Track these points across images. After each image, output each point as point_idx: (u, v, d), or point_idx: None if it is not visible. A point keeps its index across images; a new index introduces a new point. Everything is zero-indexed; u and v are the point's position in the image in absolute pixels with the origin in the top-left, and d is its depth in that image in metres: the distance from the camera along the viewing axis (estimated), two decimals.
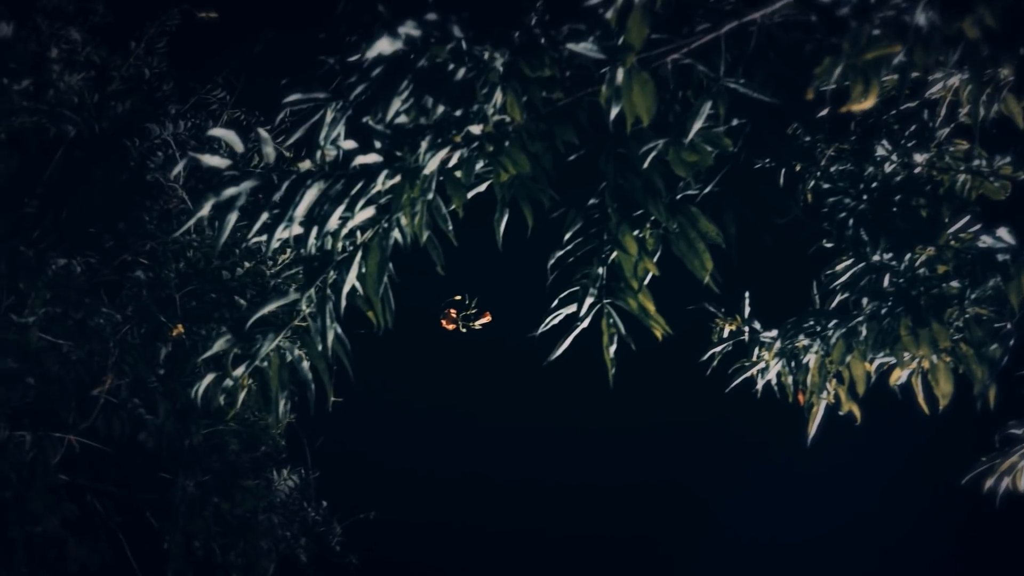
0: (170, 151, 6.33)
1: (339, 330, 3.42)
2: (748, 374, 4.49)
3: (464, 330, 5.65)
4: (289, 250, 6.22)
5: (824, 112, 3.88)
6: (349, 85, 3.12)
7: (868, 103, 2.35)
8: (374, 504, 7.40)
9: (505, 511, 10.56)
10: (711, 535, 11.05)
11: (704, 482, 11.05)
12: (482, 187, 3.28)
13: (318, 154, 3.08)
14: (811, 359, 4.25)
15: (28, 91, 5.06)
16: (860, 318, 4.02)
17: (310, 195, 3.00)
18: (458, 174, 3.11)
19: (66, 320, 4.85)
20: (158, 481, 6.24)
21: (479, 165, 3.12)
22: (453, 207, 3.20)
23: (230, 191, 2.95)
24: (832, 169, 3.92)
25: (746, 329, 4.50)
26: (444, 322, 5.66)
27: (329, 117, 3.11)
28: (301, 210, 2.99)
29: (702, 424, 10.65)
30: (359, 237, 3.26)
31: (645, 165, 3.10)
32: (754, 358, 4.47)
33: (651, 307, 3.36)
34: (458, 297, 5.64)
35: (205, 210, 2.94)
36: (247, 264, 6.03)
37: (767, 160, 3.88)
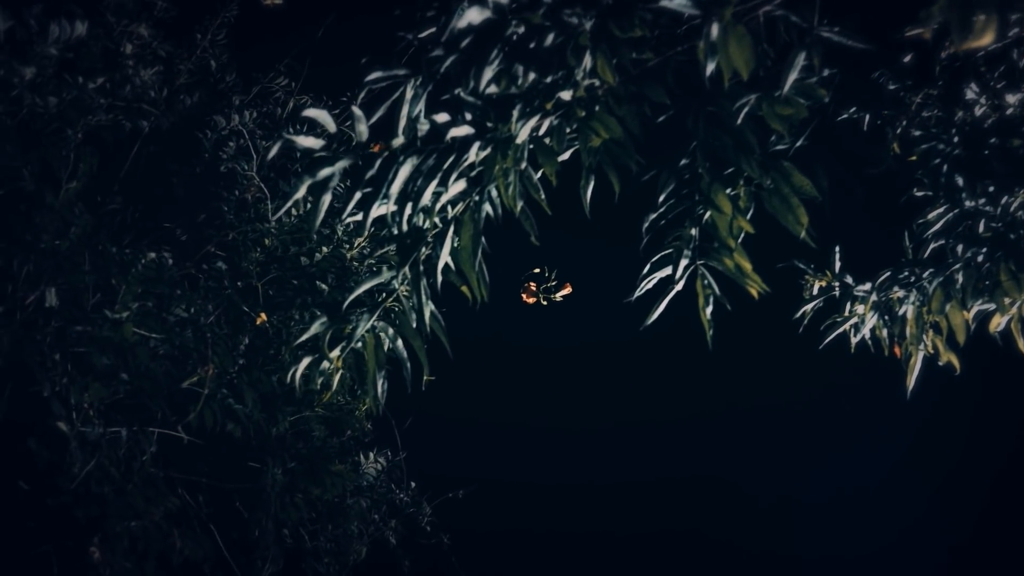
0: (242, 141, 6.36)
1: (433, 307, 3.41)
2: (841, 330, 4.43)
3: (545, 303, 5.61)
4: (366, 232, 6.22)
5: (908, 58, 3.82)
6: (431, 59, 3.09)
7: (987, 39, 2.29)
8: (464, 482, 7.40)
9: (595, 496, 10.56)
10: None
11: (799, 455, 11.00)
12: (565, 155, 3.26)
13: (401, 128, 3.06)
14: (908, 310, 4.19)
15: (104, 88, 5.09)
16: (957, 266, 3.95)
17: (404, 171, 2.98)
18: (548, 141, 3.08)
19: (159, 314, 4.89)
20: (247, 470, 6.27)
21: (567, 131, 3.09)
22: (540, 173, 3.18)
23: (325, 171, 2.94)
24: (923, 115, 3.85)
25: (836, 284, 4.44)
26: (524, 296, 5.63)
27: (410, 93, 3.08)
28: (396, 186, 2.98)
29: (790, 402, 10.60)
30: (450, 212, 3.25)
31: (739, 121, 3.06)
32: (846, 313, 4.41)
33: (747, 265, 3.32)
34: (537, 270, 5.61)
35: (301, 192, 2.93)
36: (325, 249, 6.04)
37: (853, 110, 3.82)
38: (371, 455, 6.75)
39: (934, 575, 10.66)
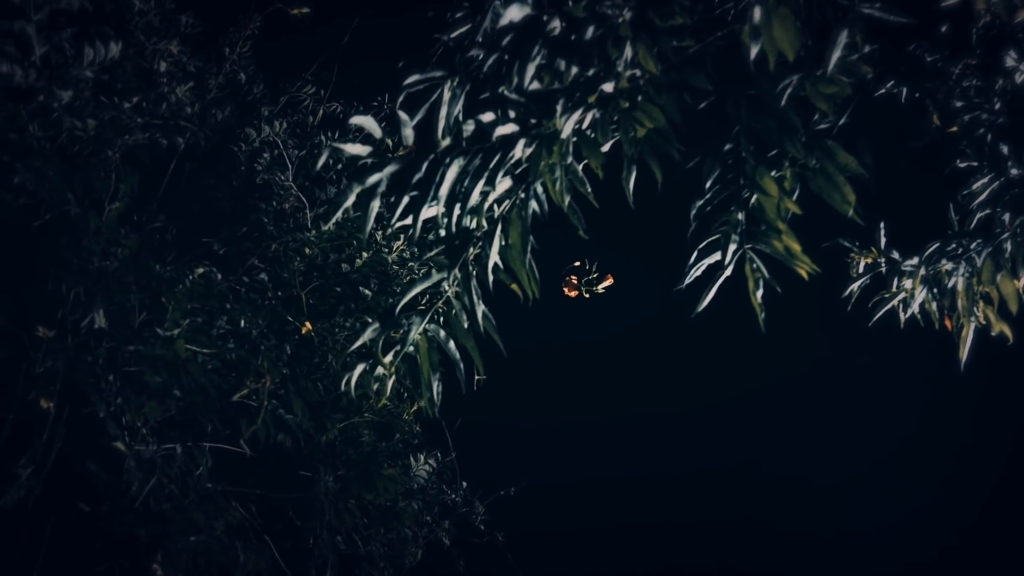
0: (276, 151, 6.38)
1: (485, 307, 3.41)
2: (889, 306, 4.41)
3: (587, 295, 5.61)
4: (403, 236, 6.25)
5: (944, 28, 3.80)
6: (467, 60, 3.10)
7: None
8: (516, 479, 7.39)
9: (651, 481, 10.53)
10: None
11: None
12: (605, 147, 3.25)
13: (440, 130, 3.06)
14: (957, 282, 4.16)
15: (141, 107, 5.12)
16: (1005, 235, 3.93)
17: (452, 172, 2.99)
18: (591, 134, 3.08)
19: (208, 329, 4.91)
20: (297, 480, 6.29)
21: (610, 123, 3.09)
22: (582, 166, 3.18)
23: (374, 178, 2.94)
24: (963, 85, 3.83)
25: (882, 260, 4.41)
26: (566, 289, 5.63)
27: (447, 95, 3.08)
28: (445, 188, 2.98)
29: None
30: (496, 210, 3.25)
31: (783, 102, 3.05)
32: (894, 289, 4.39)
33: (796, 247, 3.30)
34: (578, 263, 5.61)
35: (351, 199, 2.94)
36: (365, 255, 6.06)
37: (891, 84, 3.81)
38: (421, 457, 6.77)
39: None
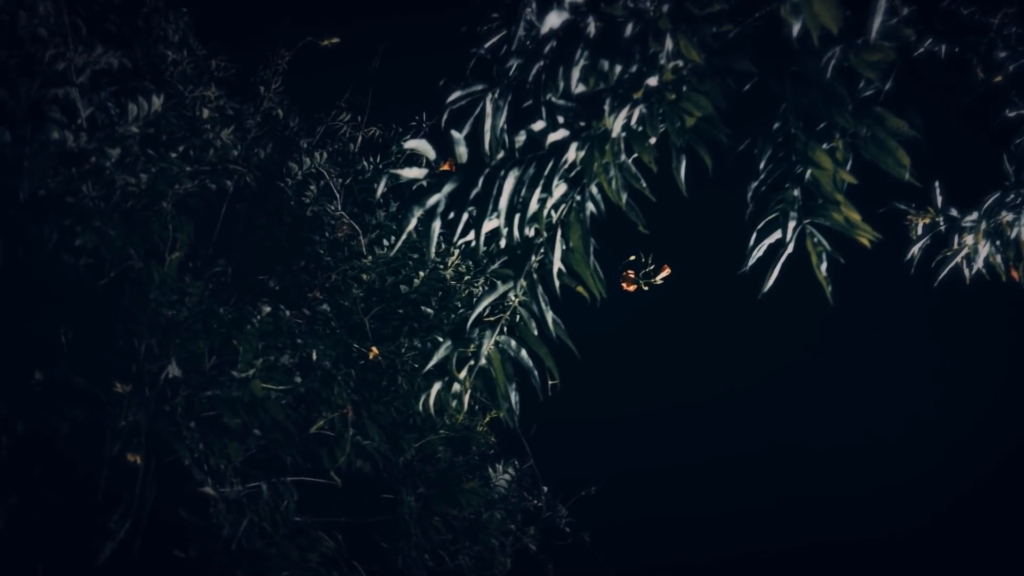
0: (322, 182, 6.43)
1: (554, 313, 3.43)
2: (953, 263, 4.38)
3: (646, 288, 5.59)
4: (457, 251, 6.28)
5: None
6: (505, 70, 3.12)
7: None
8: (593, 476, 7.40)
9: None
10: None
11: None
12: (652, 139, 3.25)
13: (487, 142, 3.08)
14: (1020, 232, 4.13)
15: (188, 155, 5.19)
16: None
17: (509, 183, 3.00)
18: (640, 129, 3.09)
19: (279, 365, 4.96)
20: (380, 503, 6.33)
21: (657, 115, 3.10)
22: (634, 157, 3.19)
23: (433, 199, 2.97)
24: (1004, 34, 3.80)
25: (941, 219, 4.39)
26: (624, 284, 5.61)
27: (490, 107, 3.10)
28: (504, 200, 3.00)
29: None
30: (554, 216, 3.27)
31: (828, 75, 3.04)
32: (955, 246, 4.36)
33: (856, 217, 3.29)
34: (633, 257, 5.59)
35: (413, 222, 2.97)
36: (422, 273, 6.09)
37: (930, 42, 3.79)
38: (499, 467, 6.78)
39: None
